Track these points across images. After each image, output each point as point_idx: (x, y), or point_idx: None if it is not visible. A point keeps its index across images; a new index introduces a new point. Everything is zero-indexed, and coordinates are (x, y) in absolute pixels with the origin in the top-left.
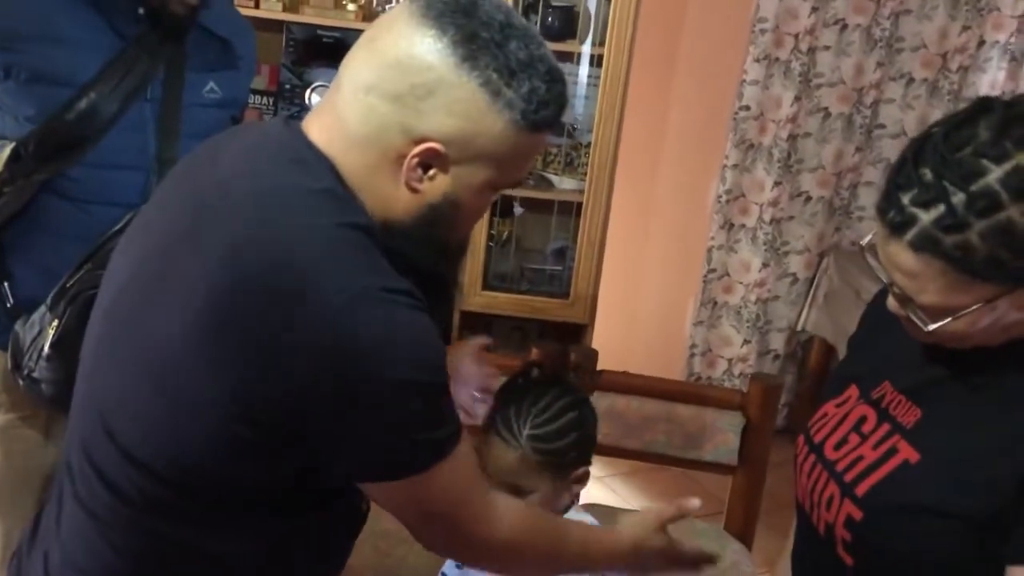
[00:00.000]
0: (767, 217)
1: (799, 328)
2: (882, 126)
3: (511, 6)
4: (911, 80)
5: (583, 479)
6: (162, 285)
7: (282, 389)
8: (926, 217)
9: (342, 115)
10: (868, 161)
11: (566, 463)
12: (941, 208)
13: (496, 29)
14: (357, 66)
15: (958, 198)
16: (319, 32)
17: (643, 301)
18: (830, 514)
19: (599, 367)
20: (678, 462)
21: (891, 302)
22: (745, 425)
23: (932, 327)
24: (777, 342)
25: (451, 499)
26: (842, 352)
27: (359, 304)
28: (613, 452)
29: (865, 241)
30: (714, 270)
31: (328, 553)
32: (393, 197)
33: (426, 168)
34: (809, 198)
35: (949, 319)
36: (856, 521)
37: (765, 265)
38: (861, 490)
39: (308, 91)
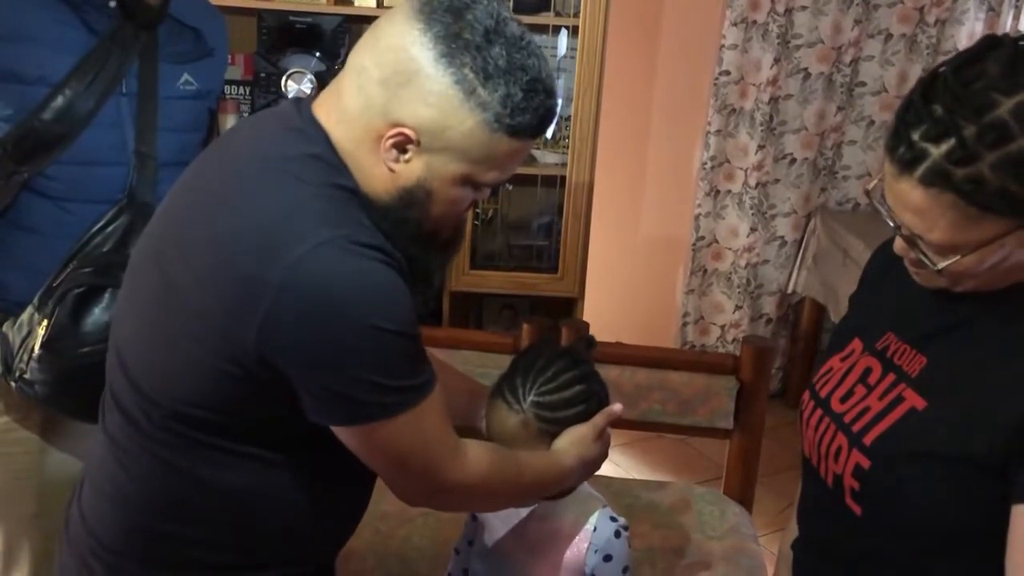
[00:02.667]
0: (752, 181)
1: (790, 290)
2: (863, 84)
3: (510, 17)
4: (889, 36)
5: None
6: (175, 236)
7: (256, 328)
8: (936, 151)
9: (341, 91)
10: (850, 120)
11: None
12: (952, 141)
13: (480, 33)
14: (360, 48)
15: (969, 131)
16: (292, 18)
17: (633, 272)
18: (838, 465)
19: None
20: (675, 429)
21: (898, 244)
22: (739, 389)
23: (941, 265)
24: (769, 306)
25: (417, 448)
26: (833, 311)
27: (326, 250)
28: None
29: (871, 185)
30: (702, 237)
31: (333, 500)
32: (373, 174)
33: (401, 150)
34: (793, 160)
35: (958, 256)
36: (864, 469)
37: (753, 230)
38: (869, 439)
39: (284, 78)
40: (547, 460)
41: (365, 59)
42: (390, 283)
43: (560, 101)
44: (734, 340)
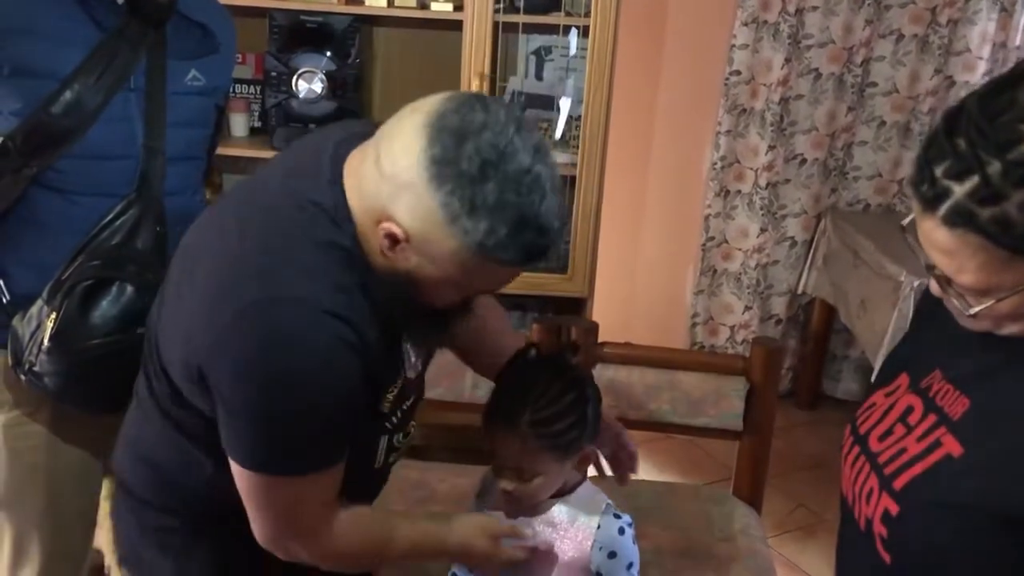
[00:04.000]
0: (762, 182)
1: (799, 291)
2: (874, 84)
3: (523, 145)
4: (901, 36)
5: (589, 458)
6: (195, 240)
7: (205, 349)
8: (960, 189)
9: (366, 156)
10: (861, 120)
11: (568, 444)
12: (975, 179)
13: (476, 165)
14: (386, 129)
15: (994, 167)
16: (303, 17)
17: (642, 273)
18: (869, 508)
19: (600, 340)
20: (684, 430)
21: (932, 285)
22: (749, 390)
23: (974, 310)
24: (778, 306)
25: (287, 512)
26: (843, 312)
27: (280, 308)
28: None
29: (906, 221)
30: (712, 238)
31: None
32: (373, 247)
33: (393, 241)
34: (804, 160)
35: (992, 301)
36: (892, 516)
37: (763, 230)
38: (899, 483)
39: (295, 77)
40: (428, 531)
41: (383, 145)
42: (325, 364)
43: (556, 231)
44: (743, 341)
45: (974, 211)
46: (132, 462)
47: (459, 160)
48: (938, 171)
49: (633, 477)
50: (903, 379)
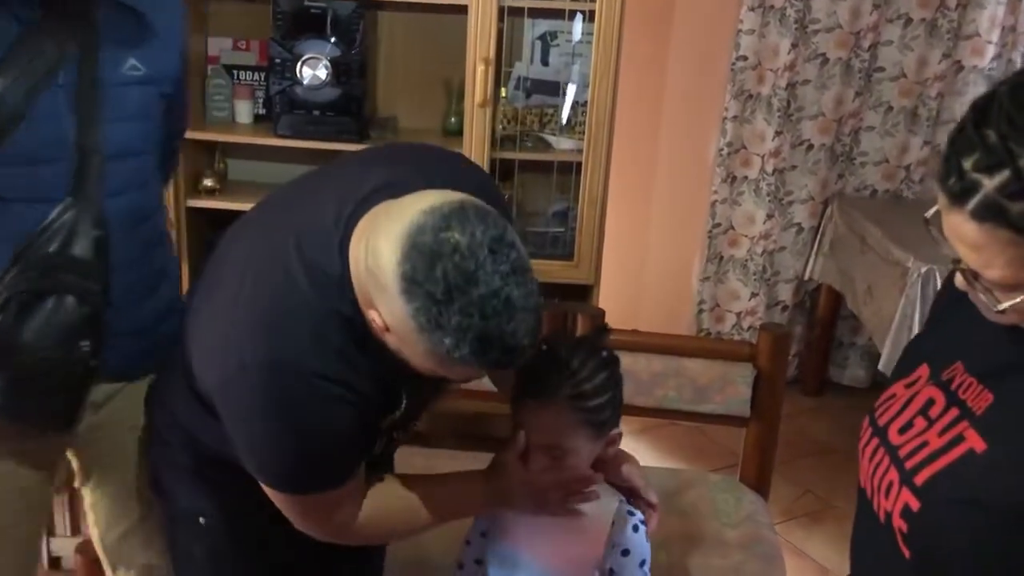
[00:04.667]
0: (769, 168)
1: (806, 277)
2: (881, 69)
3: (494, 267)
4: (909, 21)
5: (616, 440)
6: (226, 271)
7: (216, 383)
8: (989, 183)
9: (362, 237)
10: (868, 106)
11: (603, 421)
12: (1006, 173)
13: (442, 290)
14: (381, 212)
15: None
16: (307, 3)
17: (648, 259)
18: (888, 502)
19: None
20: (690, 416)
21: (958, 279)
22: (756, 376)
23: (1002, 306)
24: (785, 293)
25: (309, 518)
26: (850, 299)
27: (277, 372)
28: (625, 410)
29: (929, 213)
30: (718, 224)
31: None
32: (368, 316)
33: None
34: (811, 146)
35: (1021, 297)
36: (913, 512)
37: (769, 216)
38: (920, 479)
39: (299, 64)
40: (452, 486)
41: (371, 238)
42: (324, 416)
43: (523, 348)
44: (750, 328)
45: (1004, 205)
46: (158, 404)
47: (426, 282)
48: (966, 164)
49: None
50: (923, 370)
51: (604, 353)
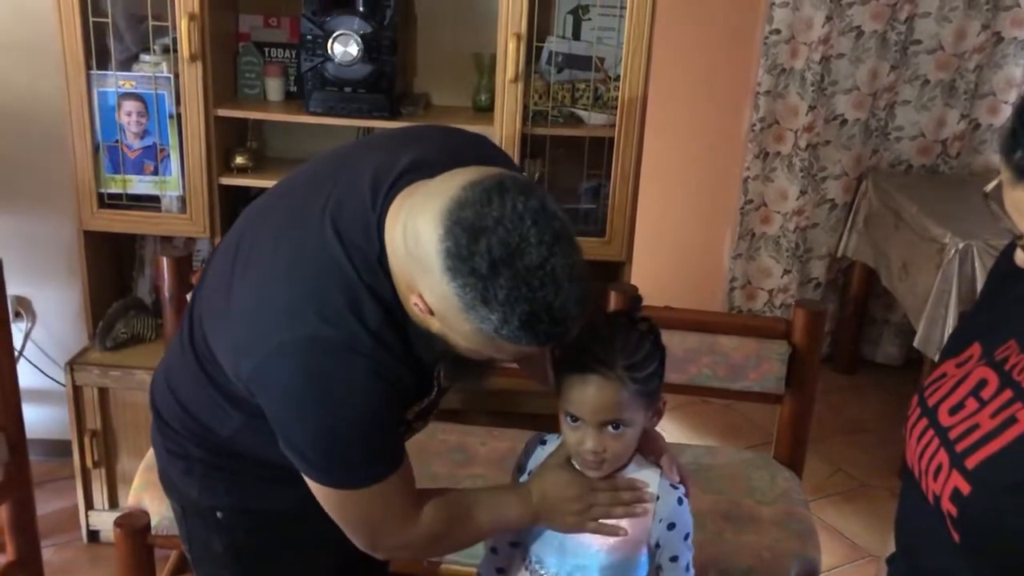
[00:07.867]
0: (802, 143)
1: (839, 254)
2: (918, 42)
3: (537, 237)
4: None
5: (661, 412)
6: (256, 248)
7: (247, 372)
8: None
9: (398, 219)
10: (904, 79)
11: (653, 391)
12: None
13: (487, 263)
14: (415, 201)
15: None
16: None
17: (680, 236)
18: (937, 485)
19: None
20: (724, 394)
21: (1019, 256)
22: (791, 353)
23: None
24: (818, 270)
25: (361, 521)
26: (884, 276)
27: (310, 345)
28: None
29: (989, 188)
30: (751, 201)
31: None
32: (407, 300)
33: (421, 309)
34: (845, 121)
35: None
36: (964, 496)
37: (802, 192)
38: (972, 462)
39: (330, 40)
40: (503, 497)
41: (410, 217)
42: (363, 391)
43: (573, 318)
44: (781, 305)
45: None
46: (164, 389)
47: (471, 257)
48: None
49: (673, 440)
50: (975, 349)
51: (642, 324)
